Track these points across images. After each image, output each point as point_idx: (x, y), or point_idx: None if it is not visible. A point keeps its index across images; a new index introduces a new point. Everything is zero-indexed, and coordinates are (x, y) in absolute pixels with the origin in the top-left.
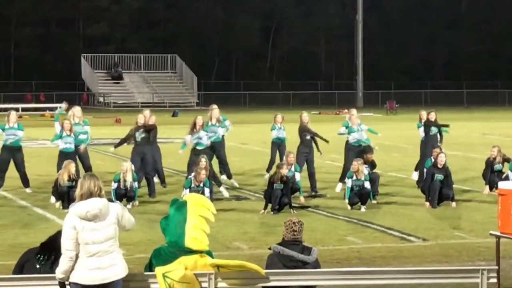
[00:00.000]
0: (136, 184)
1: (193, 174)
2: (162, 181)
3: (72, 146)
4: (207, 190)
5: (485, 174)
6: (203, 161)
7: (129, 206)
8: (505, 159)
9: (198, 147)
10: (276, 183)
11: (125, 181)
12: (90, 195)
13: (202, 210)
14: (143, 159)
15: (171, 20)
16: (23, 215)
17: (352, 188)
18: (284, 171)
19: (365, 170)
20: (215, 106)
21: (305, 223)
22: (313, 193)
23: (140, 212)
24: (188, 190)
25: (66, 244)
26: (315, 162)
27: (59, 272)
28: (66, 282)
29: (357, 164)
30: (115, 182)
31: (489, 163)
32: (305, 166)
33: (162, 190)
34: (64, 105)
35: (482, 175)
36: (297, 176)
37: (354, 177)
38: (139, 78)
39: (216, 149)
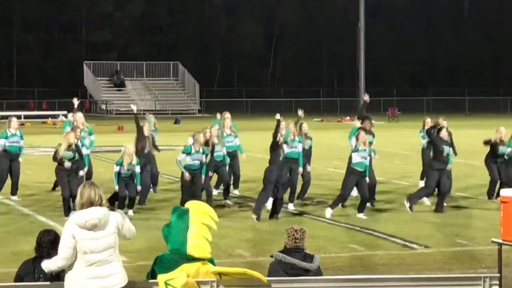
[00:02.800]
0: (138, 169)
1: (193, 139)
2: (153, 185)
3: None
4: (203, 157)
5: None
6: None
7: (130, 211)
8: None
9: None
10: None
11: (128, 164)
12: (90, 204)
13: (204, 217)
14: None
15: (173, 27)
16: (26, 223)
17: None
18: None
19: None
20: (227, 115)
21: (307, 231)
22: (300, 200)
23: (142, 219)
24: (185, 155)
25: (62, 252)
26: (317, 169)
27: (46, 267)
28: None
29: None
30: (117, 165)
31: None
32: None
33: (163, 197)
34: (69, 115)
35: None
36: (299, 148)
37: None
38: (141, 85)
39: (232, 160)
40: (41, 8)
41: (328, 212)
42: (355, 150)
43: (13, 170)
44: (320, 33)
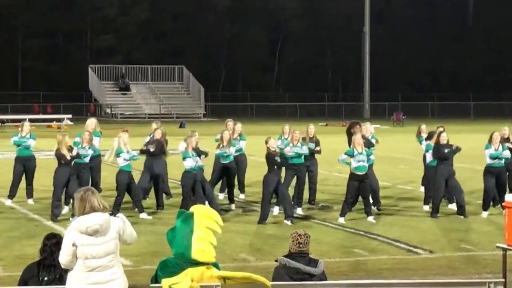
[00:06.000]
0: (135, 153)
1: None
2: (167, 194)
3: (86, 158)
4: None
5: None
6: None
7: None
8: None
9: (224, 161)
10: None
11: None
12: (91, 209)
13: (209, 221)
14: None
15: (178, 32)
16: (30, 226)
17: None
18: (271, 142)
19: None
20: (238, 123)
21: (312, 235)
22: (312, 206)
23: (146, 223)
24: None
25: (62, 259)
26: (322, 174)
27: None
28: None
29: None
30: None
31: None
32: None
33: (168, 202)
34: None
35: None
36: (305, 149)
37: (356, 152)
38: (146, 89)
39: (239, 163)
40: (46, 15)
41: (341, 220)
42: (351, 155)
43: (26, 173)
44: (325, 39)
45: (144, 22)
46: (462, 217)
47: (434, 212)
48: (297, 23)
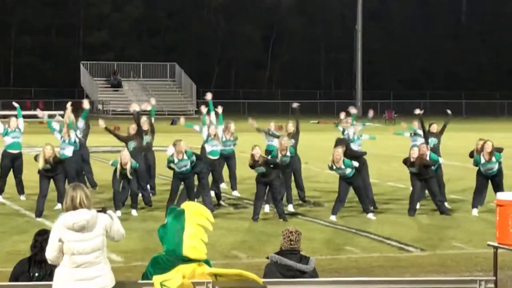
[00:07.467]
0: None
1: (172, 149)
2: (151, 188)
3: (66, 152)
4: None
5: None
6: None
7: (134, 213)
8: (497, 149)
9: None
10: (256, 167)
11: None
12: (78, 205)
13: (200, 218)
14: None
15: (171, 29)
16: (21, 222)
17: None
18: (256, 151)
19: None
20: (231, 122)
21: (303, 233)
22: (303, 202)
23: (138, 220)
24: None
25: (48, 254)
26: (313, 171)
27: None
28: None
29: (339, 153)
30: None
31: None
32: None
33: (159, 198)
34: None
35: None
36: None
37: (334, 167)
38: (138, 86)
39: (229, 159)
40: (39, 11)
41: (333, 218)
42: (333, 170)
43: (14, 169)
44: (318, 36)
45: (138, 19)
46: (446, 214)
47: (411, 210)
48: (291, 21)
